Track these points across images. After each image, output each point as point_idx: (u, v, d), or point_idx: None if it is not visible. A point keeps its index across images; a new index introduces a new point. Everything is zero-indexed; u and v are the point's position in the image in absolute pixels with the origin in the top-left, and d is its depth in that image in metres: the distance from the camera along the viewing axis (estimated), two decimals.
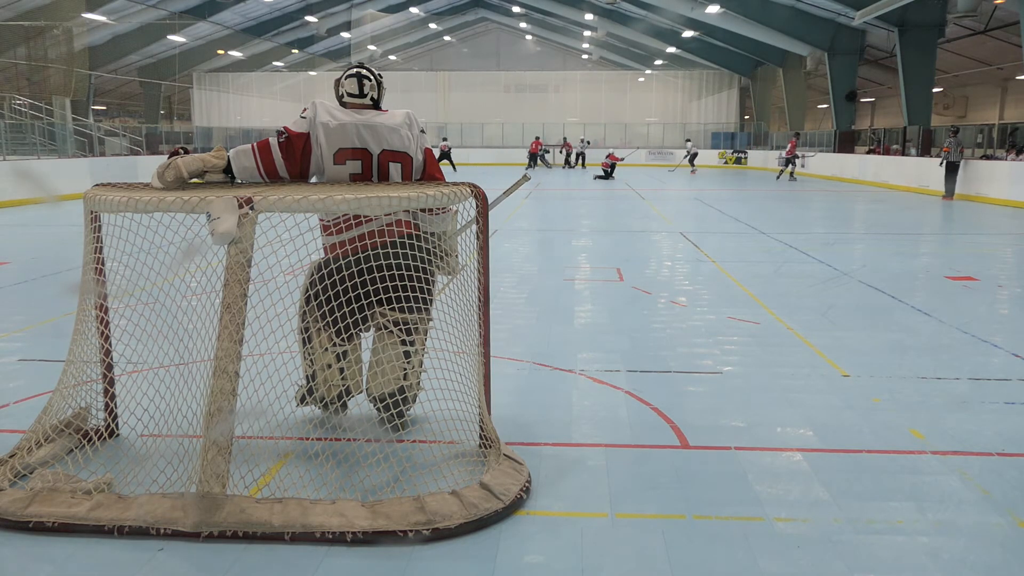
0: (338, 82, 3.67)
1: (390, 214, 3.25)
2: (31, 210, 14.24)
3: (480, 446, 3.37)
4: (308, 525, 2.70)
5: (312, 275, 3.59)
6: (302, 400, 3.70)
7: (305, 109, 3.48)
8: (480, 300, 3.35)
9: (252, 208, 2.91)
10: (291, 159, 3.42)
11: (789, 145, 25.61)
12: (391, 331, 3.51)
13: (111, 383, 3.54)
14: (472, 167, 31.78)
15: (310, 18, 34.69)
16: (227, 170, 3.41)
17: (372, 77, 3.63)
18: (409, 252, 3.37)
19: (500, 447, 3.22)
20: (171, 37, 32.01)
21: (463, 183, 3.32)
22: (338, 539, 2.68)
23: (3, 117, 21.41)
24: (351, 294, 3.35)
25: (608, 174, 25.85)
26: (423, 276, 3.46)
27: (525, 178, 3.74)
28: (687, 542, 2.71)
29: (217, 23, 33.14)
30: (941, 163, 17.58)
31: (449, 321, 3.41)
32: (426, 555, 2.63)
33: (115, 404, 3.54)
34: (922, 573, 2.54)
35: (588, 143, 34.81)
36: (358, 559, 2.61)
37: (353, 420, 3.71)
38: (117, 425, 3.56)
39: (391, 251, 3.36)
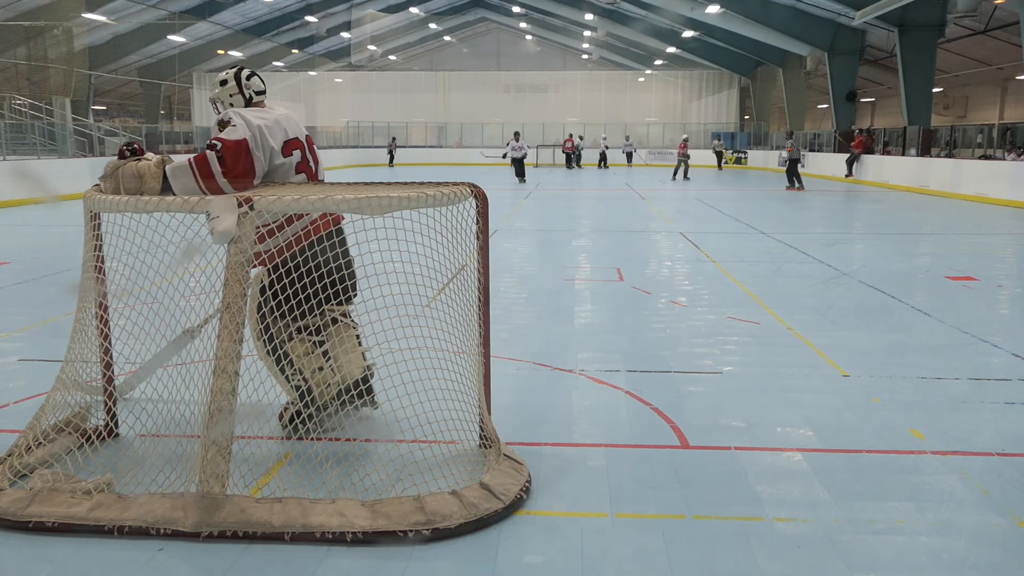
0: (240, 84, 3.62)
1: None
2: (31, 210, 14.24)
3: (480, 446, 3.38)
4: (308, 525, 2.71)
5: (273, 285, 3.34)
6: (297, 417, 3.51)
7: (229, 120, 3.32)
8: (480, 300, 3.35)
9: (251, 208, 2.91)
10: (234, 169, 3.23)
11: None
12: (344, 322, 3.65)
13: (111, 383, 3.54)
14: (472, 167, 31.77)
15: (310, 18, 34.69)
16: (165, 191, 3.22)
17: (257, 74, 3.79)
18: (345, 240, 3.54)
19: (500, 447, 3.22)
20: (171, 37, 32.01)
21: (463, 183, 3.32)
22: (338, 539, 2.68)
23: (3, 117, 21.38)
24: (310, 289, 3.24)
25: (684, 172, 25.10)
26: (352, 263, 3.65)
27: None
28: (687, 542, 2.71)
29: (217, 23, 33.13)
30: (784, 162, 20.18)
31: (449, 321, 3.41)
32: (426, 555, 2.63)
33: (115, 404, 3.54)
34: (922, 573, 2.54)
35: (584, 140, 34.65)
36: (358, 559, 2.61)
37: (353, 420, 3.71)
38: (117, 425, 3.57)
39: (328, 243, 3.40)
